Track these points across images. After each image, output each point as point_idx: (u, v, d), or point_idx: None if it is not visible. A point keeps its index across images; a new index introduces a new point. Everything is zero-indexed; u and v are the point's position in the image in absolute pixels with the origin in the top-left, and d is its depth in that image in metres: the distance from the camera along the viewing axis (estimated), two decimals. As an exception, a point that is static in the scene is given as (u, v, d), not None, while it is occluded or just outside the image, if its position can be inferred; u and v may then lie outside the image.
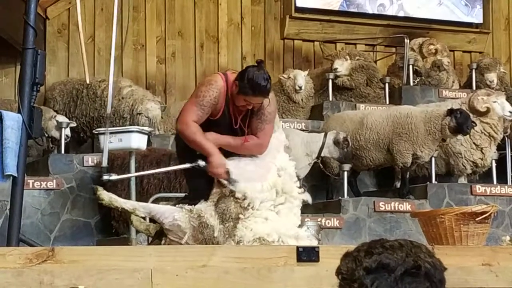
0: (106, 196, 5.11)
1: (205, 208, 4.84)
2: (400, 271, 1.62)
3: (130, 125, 8.79)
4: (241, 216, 4.75)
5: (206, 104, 4.91)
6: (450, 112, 8.27)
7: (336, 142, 8.37)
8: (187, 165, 5.00)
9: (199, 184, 5.04)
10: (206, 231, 4.76)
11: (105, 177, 5.12)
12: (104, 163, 5.47)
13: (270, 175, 4.91)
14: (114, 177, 5.18)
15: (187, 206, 4.91)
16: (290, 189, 4.94)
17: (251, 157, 5.00)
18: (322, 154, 8.43)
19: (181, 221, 4.81)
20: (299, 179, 8.43)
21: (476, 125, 8.43)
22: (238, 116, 4.99)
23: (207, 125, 4.99)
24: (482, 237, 4.88)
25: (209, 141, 4.90)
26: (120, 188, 7.80)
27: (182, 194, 6.19)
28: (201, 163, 4.92)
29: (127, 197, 7.60)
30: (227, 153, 5.00)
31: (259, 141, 4.96)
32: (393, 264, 1.63)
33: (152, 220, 5.15)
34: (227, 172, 4.86)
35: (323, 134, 8.56)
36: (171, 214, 4.87)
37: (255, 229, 4.67)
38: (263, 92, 4.85)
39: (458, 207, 5.55)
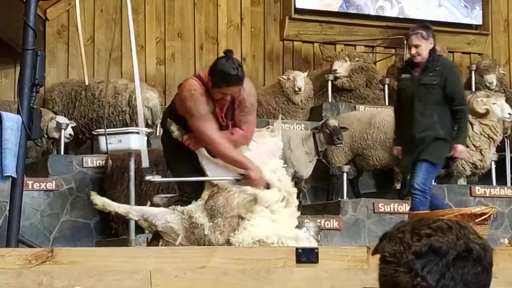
0: (100, 201, 5.14)
1: (195, 208, 4.87)
2: (452, 255, 1.56)
3: (130, 117, 8.81)
4: (243, 215, 4.75)
5: (207, 112, 4.93)
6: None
7: (318, 132, 8.39)
8: (231, 178, 5.01)
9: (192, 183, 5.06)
10: (196, 231, 4.78)
11: (148, 177, 5.14)
12: (145, 164, 5.45)
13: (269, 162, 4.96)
14: (157, 178, 5.21)
15: (179, 208, 4.93)
16: (290, 190, 4.96)
17: (247, 151, 5.06)
18: (320, 149, 8.43)
19: (173, 223, 4.83)
20: (302, 180, 8.49)
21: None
22: (221, 113, 5.00)
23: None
24: (481, 239, 4.89)
25: (244, 156, 4.97)
26: (119, 190, 7.81)
27: (168, 195, 6.21)
28: (241, 176, 4.96)
29: (127, 198, 7.62)
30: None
31: (244, 133, 5.04)
32: (445, 248, 1.56)
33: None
34: (267, 183, 4.92)
35: (310, 132, 8.57)
36: (164, 216, 4.89)
37: (255, 232, 4.68)
38: (235, 81, 4.87)
39: (457, 209, 5.55)
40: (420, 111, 6.24)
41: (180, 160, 5.09)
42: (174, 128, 5.04)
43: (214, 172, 4.96)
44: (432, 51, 6.31)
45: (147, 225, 5.15)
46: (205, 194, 4.94)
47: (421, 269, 1.55)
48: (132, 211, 5.05)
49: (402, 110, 6.50)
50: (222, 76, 4.85)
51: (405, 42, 10.58)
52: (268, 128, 5.31)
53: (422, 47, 6.23)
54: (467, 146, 8.34)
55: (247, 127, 5.03)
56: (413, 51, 6.25)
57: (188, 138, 4.99)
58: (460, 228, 1.63)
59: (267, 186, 4.91)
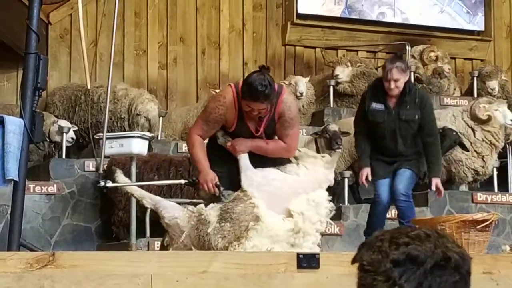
0: (122, 179, 5.20)
1: (210, 207, 4.87)
2: (429, 264, 1.57)
3: (129, 125, 8.82)
4: (248, 233, 4.74)
5: (212, 120, 5.05)
6: None
7: (319, 137, 8.39)
8: (182, 181, 5.23)
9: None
10: (201, 227, 4.78)
11: (102, 183, 5.15)
12: (101, 169, 5.51)
13: (295, 200, 4.90)
14: (109, 184, 5.23)
15: (190, 207, 4.95)
16: (310, 231, 4.91)
17: (287, 173, 5.04)
18: (322, 154, 8.41)
19: (180, 219, 4.84)
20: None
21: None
22: (259, 125, 5.05)
23: (232, 137, 5.11)
24: (482, 245, 4.88)
25: (203, 158, 5.04)
26: (120, 194, 7.80)
27: (182, 200, 6.20)
28: (195, 179, 5.13)
29: (128, 202, 7.63)
30: (258, 160, 5.07)
31: (286, 146, 5.10)
32: (422, 256, 1.57)
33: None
34: (217, 186, 4.95)
35: (311, 138, 8.57)
36: (173, 210, 4.93)
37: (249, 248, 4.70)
38: (258, 97, 4.86)
39: (459, 215, 5.54)
40: (403, 143, 6.19)
41: (221, 165, 5.13)
42: (219, 134, 5.13)
43: (249, 179, 4.95)
44: (408, 82, 6.22)
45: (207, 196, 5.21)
46: (231, 195, 4.95)
47: (399, 277, 1.55)
48: (146, 197, 5.12)
49: (375, 137, 6.30)
50: (249, 89, 4.87)
51: (407, 48, 10.62)
52: (324, 157, 5.29)
53: (401, 81, 6.10)
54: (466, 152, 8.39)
55: (289, 140, 5.09)
56: (392, 85, 6.07)
57: (231, 144, 5.07)
58: (438, 237, 1.62)
59: (215, 189, 4.93)
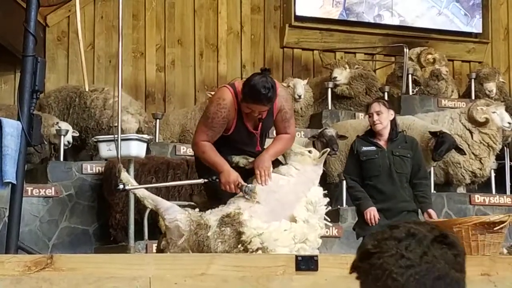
0: (125, 178, 5.20)
1: (213, 211, 4.85)
2: (429, 238, 1.70)
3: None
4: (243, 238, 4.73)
5: (216, 125, 4.99)
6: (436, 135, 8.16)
7: (317, 140, 8.40)
8: (201, 180, 5.16)
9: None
10: (201, 232, 4.75)
11: (121, 186, 5.12)
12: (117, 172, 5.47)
13: (298, 207, 4.89)
14: (128, 187, 5.20)
15: (191, 210, 4.93)
16: (311, 238, 4.89)
17: (288, 176, 5.04)
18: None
19: (181, 222, 4.81)
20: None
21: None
22: (258, 124, 5.07)
23: (223, 141, 5.06)
24: (497, 246, 4.88)
25: (220, 159, 4.99)
26: (118, 197, 7.80)
27: (181, 203, 6.19)
28: (216, 178, 5.04)
29: (125, 204, 7.62)
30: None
31: (290, 135, 5.19)
32: (421, 234, 1.71)
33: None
34: (239, 185, 4.92)
35: (308, 141, 8.58)
36: (174, 213, 4.89)
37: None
38: (261, 100, 4.85)
39: (476, 217, 5.54)
40: (398, 183, 6.08)
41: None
42: (238, 158, 5.14)
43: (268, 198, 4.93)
44: (394, 124, 6.20)
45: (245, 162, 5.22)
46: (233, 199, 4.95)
47: (404, 249, 1.69)
48: (148, 198, 5.09)
49: (370, 181, 6.12)
50: (251, 92, 4.84)
51: (405, 50, 10.63)
52: (311, 152, 5.27)
53: (384, 115, 6.06)
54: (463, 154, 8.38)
55: (291, 129, 5.20)
56: (375, 117, 6.04)
57: (258, 172, 5.00)
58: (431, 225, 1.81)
59: (238, 188, 4.91)
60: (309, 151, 5.25)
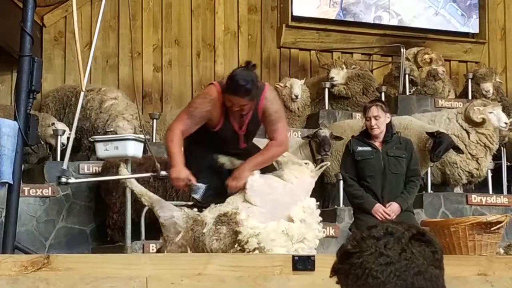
0: (124, 173, 5.21)
1: (211, 209, 4.84)
2: (407, 236, 1.73)
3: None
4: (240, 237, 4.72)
5: (197, 115, 4.96)
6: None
7: (312, 140, 8.41)
8: (148, 174, 5.20)
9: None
10: (196, 228, 4.75)
11: (63, 179, 5.11)
12: (65, 166, 5.42)
13: (294, 208, 4.89)
14: (72, 180, 5.22)
15: (187, 209, 4.93)
16: (309, 238, 4.89)
17: (285, 180, 5.02)
18: (316, 157, 8.44)
19: (178, 219, 4.81)
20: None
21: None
22: (242, 122, 5.02)
23: (211, 138, 5.03)
24: (494, 246, 4.88)
25: (178, 153, 4.95)
26: (115, 197, 7.80)
27: (179, 203, 6.19)
28: (163, 173, 5.09)
29: (122, 204, 7.62)
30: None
31: (277, 141, 5.04)
32: (399, 232, 1.74)
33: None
34: (188, 185, 4.92)
35: (304, 141, 8.58)
36: (170, 211, 4.89)
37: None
38: (240, 92, 4.81)
39: (473, 217, 5.54)
40: (394, 183, 6.07)
41: (208, 177, 5.08)
42: (224, 159, 5.11)
43: (254, 189, 4.91)
44: (389, 126, 6.21)
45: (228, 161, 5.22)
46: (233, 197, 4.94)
47: (383, 247, 1.70)
48: (146, 195, 5.09)
49: (365, 181, 6.11)
50: (231, 83, 4.85)
51: (402, 50, 10.63)
52: (307, 164, 5.24)
53: (381, 120, 6.07)
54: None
55: (279, 134, 5.03)
56: (373, 122, 6.04)
57: (235, 183, 4.96)
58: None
59: (187, 186, 4.92)
60: (306, 163, 5.25)
